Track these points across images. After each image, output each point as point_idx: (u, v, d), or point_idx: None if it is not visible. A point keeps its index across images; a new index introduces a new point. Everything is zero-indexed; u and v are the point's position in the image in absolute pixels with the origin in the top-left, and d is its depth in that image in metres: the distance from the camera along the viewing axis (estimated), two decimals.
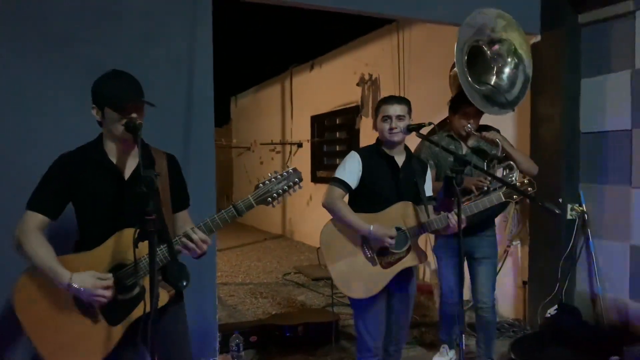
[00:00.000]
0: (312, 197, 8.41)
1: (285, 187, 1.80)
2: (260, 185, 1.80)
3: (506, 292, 4.39)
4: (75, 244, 1.87)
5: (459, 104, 3.00)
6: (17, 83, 2.53)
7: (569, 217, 3.84)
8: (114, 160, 1.84)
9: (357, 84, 7.03)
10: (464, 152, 3.03)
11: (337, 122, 8.04)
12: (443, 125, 3.12)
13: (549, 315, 3.63)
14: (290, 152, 9.25)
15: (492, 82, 3.14)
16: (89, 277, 1.70)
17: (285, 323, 3.81)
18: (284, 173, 1.82)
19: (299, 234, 9.09)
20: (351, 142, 7.42)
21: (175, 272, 1.30)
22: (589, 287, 3.84)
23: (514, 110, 3.20)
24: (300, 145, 8.96)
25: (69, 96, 2.56)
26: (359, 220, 2.38)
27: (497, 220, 3.27)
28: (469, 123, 2.95)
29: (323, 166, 8.46)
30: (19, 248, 1.75)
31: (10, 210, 2.29)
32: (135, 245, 1.54)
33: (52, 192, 1.79)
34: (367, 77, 6.87)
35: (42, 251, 1.72)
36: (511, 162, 2.88)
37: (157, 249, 1.68)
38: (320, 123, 8.46)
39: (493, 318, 3.10)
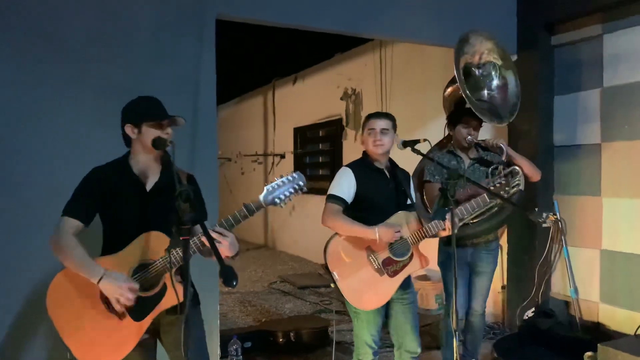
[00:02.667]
0: (294, 207, 8.56)
1: (292, 189, 1.95)
2: (269, 188, 1.95)
3: None
4: (101, 253, 2.00)
5: (459, 115, 3.09)
6: (34, 100, 2.65)
7: (544, 225, 4.10)
8: (138, 174, 2.00)
9: (341, 98, 7.25)
10: (466, 166, 3.07)
11: (320, 134, 8.23)
12: (444, 144, 3.23)
13: (527, 318, 3.88)
14: (273, 163, 9.39)
15: (486, 98, 3.35)
16: (121, 276, 1.85)
17: (277, 329, 3.94)
18: (289, 177, 1.96)
19: (281, 243, 9.21)
20: (334, 153, 7.62)
21: (227, 272, 1.45)
22: (563, 291, 4.11)
23: (510, 121, 3.38)
24: (283, 156, 9.12)
25: (82, 111, 2.71)
26: (363, 227, 2.45)
27: None
28: (470, 134, 3.01)
29: (306, 177, 8.50)
30: (55, 248, 1.89)
31: (34, 217, 2.42)
32: (168, 251, 1.68)
33: (84, 200, 1.95)
34: (350, 91, 7.10)
35: (77, 250, 1.87)
36: (516, 167, 2.93)
37: (176, 253, 1.83)
38: (303, 135, 8.63)
39: (482, 324, 3.25)
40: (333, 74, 7.55)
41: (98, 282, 1.83)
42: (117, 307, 1.87)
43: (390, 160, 2.71)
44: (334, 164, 7.60)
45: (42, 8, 2.66)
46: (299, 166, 8.71)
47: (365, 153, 2.69)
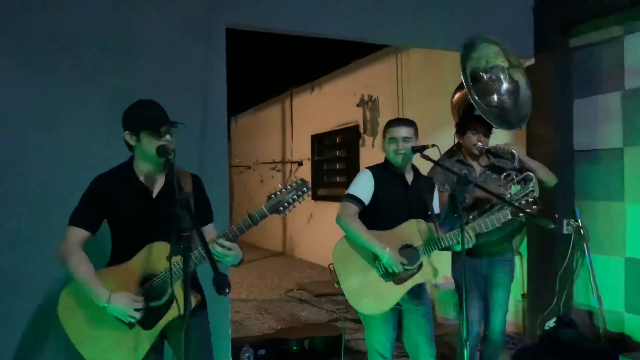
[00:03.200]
0: (312, 215, 8.54)
1: (295, 196, 1.95)
2: (272, 196, 1.96)
3: None
4: (109, 259, 2.02)
5: (468, 123, 3.00)
6: (44, 108, 2.69)
7: (565, 232, 3.98)
8: (143, 180, 2.00)
9: (358, 105, 7.23)
10: (477, 175, 2.98)
11: (337, 140, 8.23)
12: (452, 154, 3.12)
13: (548, 328, 3.75)
14: (291, 171, 9.41)
15: (495, 103, 3.27)
16: (125, 298, 1.87)
17: (292, 337, 3.91)
18: (293, 184, 1.97)
19: (300, 251, 9.19)
20: (351, 160, 7.60)
21: (220, 280, 1.45)
22: (586, 300, 3.97)
23: (521, 127, 3.29)
24: (300, 163, 9.13)
25: (92, 120, 2.75)
26: (374, 239, 2.42)
27: None
28: (480, 140, 2.93)
29: (323, 184, 8.62)
30: (63, 263, 1.91)
31: (47, 225, 2.45)
32: (169, 259, 1.67)
33: (90, 209, 1.96)
34: (366, 98, 7.07)
35: (83, 268, 1.89)
36: (529, 174, 2.83)
37: (175, 266, 1.84)
38: (320, 142, 8.64)
39: (501, 340, 3.11)
40: (349, 81, 7.55)
41: (105, 304, 1.86)
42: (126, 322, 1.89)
43: (414, 168, 2.66)
44: (351, 171, 7.57)
45: (54, 18, 2.71)
46: (316, 173, 8.71)
47: (386, 159, 2.65)
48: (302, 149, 9.05)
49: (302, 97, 9.10)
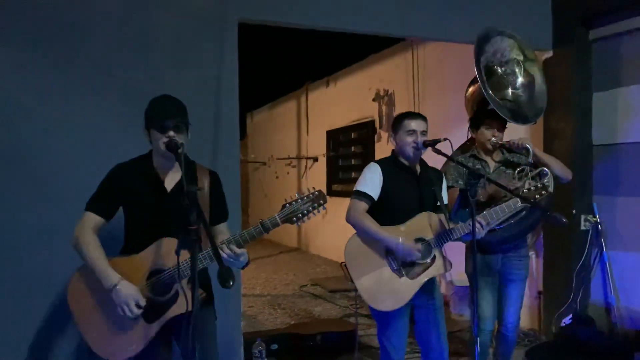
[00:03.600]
0: (327, 211, 8.48)
1: (310, 207, 1.93)
2: (287, 205, 1.94)
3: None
4: (122, 248, 2.05)
5: (481, 117, 2.96)
6: (58, 104, 2.73)
7: (582, 228, 3.91)
8: (160, 174, 2.02)
9: (373, 100, 7.19)
10: (491, 170, 2.94)
11: (353, 136, 8.19)
12: (465, 149, 3.08)
13: (564, 325, 3.69)
14: (306, 167, 9.41)
15: (510, 97, 3.21)
16: (133, 291, 1.89)
17: (304, 332, 3.92)
18: (310, 195, 1.95)
19: (315, 247, 9.21)
20: (367, 155, 7.56)
21: (225, 273, 1.45)
22: (603, 297, 3.89)
23: (535, 122, 3.23)
24: (316, 159, 9.13)
25: (106, 115, 2.78)
26: (385, 233, 2.41)
27: None
28: (494, 135, 2.89)
29: (338, 180, 8.60)
30: (76, 245, 1.95)
31: (65, 218, 2.49)
32: (177, 253, 1.69)
33: (106, 196, 2.00)
34: (382, 92, 7.03)
35: (95, 252, 1.92)
36: (544, 169, 2.79)
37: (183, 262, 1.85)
38: (335, 138, 8.62)
39: (515, 336, 3.08)
40: (365, 75, 7.50)
41: (110, 290, 1.88)
42: (122, 314, 1.90)
43: (421, 161, 2.64)
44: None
45: (68, 16, 2.74)
46: (331, 169, 8.70)
47: (393, 152, 2.63)
48: (317, 145, 9.05)
49: (317, 93, 9.08)
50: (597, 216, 3.91)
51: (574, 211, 3.89)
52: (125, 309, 1.88)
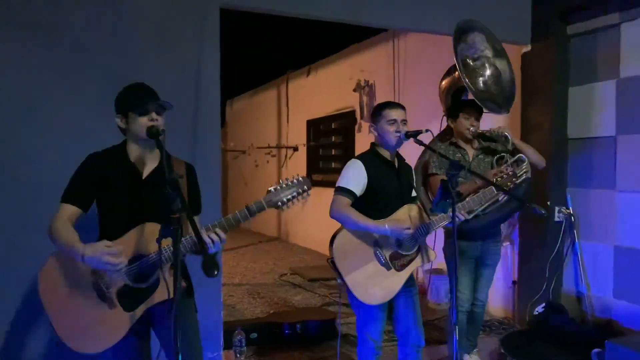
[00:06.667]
0: (307, 200, 8.54)
1: (295, 193, 1.94)
2: (272, 190, 1.94)
3: (496, 291, 4.55)
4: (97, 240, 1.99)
5: (460, 107, 3.08)
6: (36, 90, 2.67)
7: (556, 219, 4.01)
8: (134, 162, 1.99)
9: (354, 90, 7.19)
10: (470, 159, 3.08)
11: (333, 126, 8.20)
12: (443, 137, 3.20)
13: (537, 313, 3.80)
14: (286, 156, 9.39)
15: (481, 87, 3.30)
16: (99, 246, 1.82)
17: (284, 321, 3.94)
18: (294, 180, 1.96)
19: (294, 236, 9.23)
20: (347, 146, 7.58)
21: (210, 262, 1.45)
22: (575, 286, 4.02)
23: (508, 111, 3.33)
24: (296, 149, 9.11)
25: (84, 101, 2.72)
26: (372, 222, 2.42)
27: None
28: (472, 125, 3.01)
29: (319, 169, 8.61)
30: (50, 234, 1.89)
31: (32, 206, 2.43)
32: (159, 241, 1.67)
33: (82, 186, 1.96)
34: (363, 83, 7.03)
35: (67, 232, 1.86)
36: (521, 156, 2.93)
37: (166, 248, 1.83)
38: (316, 127, 8.61)
39: (483, 313, 3.34)
40: (346, 65, 7.49)
41: (82, 258, 1.81)
42: (110, 271, 1.84)
43: (397, 153, 2.67)
44: (347, 157, 7.49)
45: (46, 1, 2.67)
46: (311, 159, 8.69)
47: (373, 144, 2.65)
48: (297, 134, 9.03)
49: (298, 82, 9.04)
50: (571, 208, 4.02)
51: (548, 203, 3.98)
52: (107, 266, 1.81)
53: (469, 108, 3.03)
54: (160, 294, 1.91)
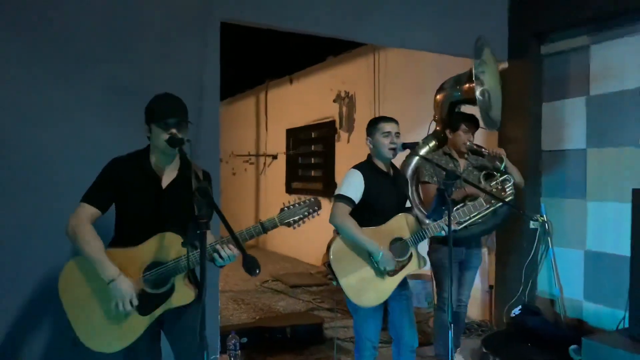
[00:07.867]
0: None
1: (306, 212, 2.08)
2: (285, 208, 2.08)
3: (475, 295, 4.76)
4: (111, 241, 2.09)
5: (460, 120, 3.31)
6: (41, 100, 2.72)
7: (531, 227, 4.26)
8: (156, 171, 2.08)
9: (334, 101, 7.37)
10: (461, 170, 3.30)
11: (313, 135, 8.34)
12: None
13: (514, 315, 4.02)
14: (265, 164, 9.47)
15: (480, 102, 3.54)
16: (129, 288, 1.95)
17: (274, 325, 4.04)
18: (307, 200, 2.10)
19: (272, 244, 9.28)
20: (327, 155, 7.74)
21: (251, 262, 1.56)
22: (548, 289, 4.27)
23: (499, 128, 3.58)
24: (275, 157, 9.20)
25: (90, 109, 2.79)
26: (369, 239, 2.58)
27: None
28: (470, 140, 3.26)
29: (298, 177, 8.72)
30: (72, 235, 1.97)
31: (44, 210, 2.48)
32: (185, 245, 1.78)
33: (103, 189, 2.04)
34: (343, 94, 7.22)
35: (94, 243, 1.95)
36: (508, 176, 3.19)
37: (190, 254, 1.94)
38: (295, 136, 8.73)
39: (466, 314, 3.60)
40: (327, 77, 7.66)
41: (108, 283, 1.93)
42: (115, 308, 1.95)
43: (391, 163, 2.83)
44: (326, 166, 7.71)
45: (51, 10, 2.73)
46: (291, 167, 8.80)
47: (370, 156, 2.80)
48: (276, 143, 9.12)
49: (277, 91, 9.16)
50: (545, 216, 4.27)
51: (522, 211, 4.22)
52: (119, 304, 1.94)
53: (469, 123, 3.25)
54: (176, 299, 2.01)
